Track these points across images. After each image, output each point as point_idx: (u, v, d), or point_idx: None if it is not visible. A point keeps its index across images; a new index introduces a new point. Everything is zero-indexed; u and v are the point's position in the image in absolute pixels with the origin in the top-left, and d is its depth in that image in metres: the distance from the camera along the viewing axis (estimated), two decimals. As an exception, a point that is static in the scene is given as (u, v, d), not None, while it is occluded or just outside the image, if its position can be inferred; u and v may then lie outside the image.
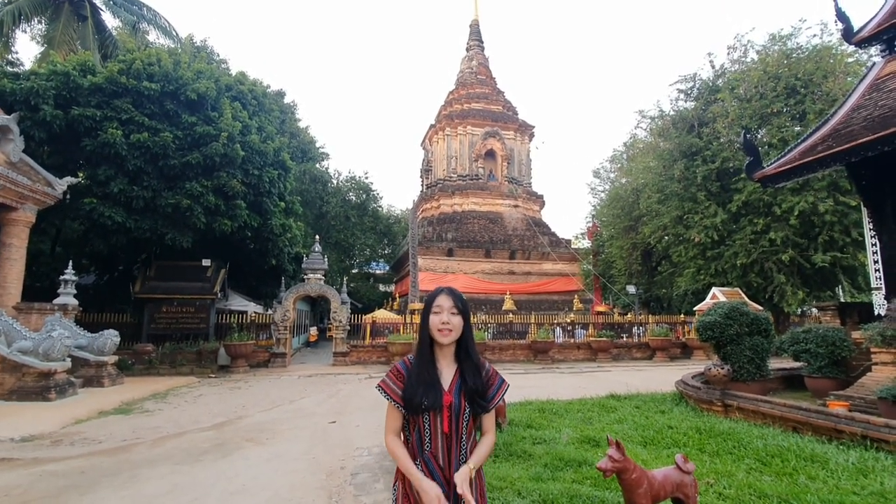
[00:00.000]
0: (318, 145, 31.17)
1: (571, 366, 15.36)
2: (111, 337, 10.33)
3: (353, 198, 32.28)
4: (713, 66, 19.14)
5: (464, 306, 1.88)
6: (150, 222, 12.16)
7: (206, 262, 13.91)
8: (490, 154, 33.34)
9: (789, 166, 7.89)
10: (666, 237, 19.44)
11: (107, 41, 16.76)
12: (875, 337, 5.64)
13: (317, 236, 16.52)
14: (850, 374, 7.72)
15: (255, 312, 15.60)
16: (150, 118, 12.16)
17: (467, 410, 1.79)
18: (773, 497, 3.62)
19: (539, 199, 34.03)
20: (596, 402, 7.65)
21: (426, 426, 1.80)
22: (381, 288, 39.23)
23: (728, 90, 17.69)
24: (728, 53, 19.47)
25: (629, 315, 20.08)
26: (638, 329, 18.62)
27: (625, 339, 18.36)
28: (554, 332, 16.98)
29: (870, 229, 7.50)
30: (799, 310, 19.41)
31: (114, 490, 4.26)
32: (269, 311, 16.55)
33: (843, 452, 4.57)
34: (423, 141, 36.17)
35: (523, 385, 11.07)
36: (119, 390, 9.71)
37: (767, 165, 8.39)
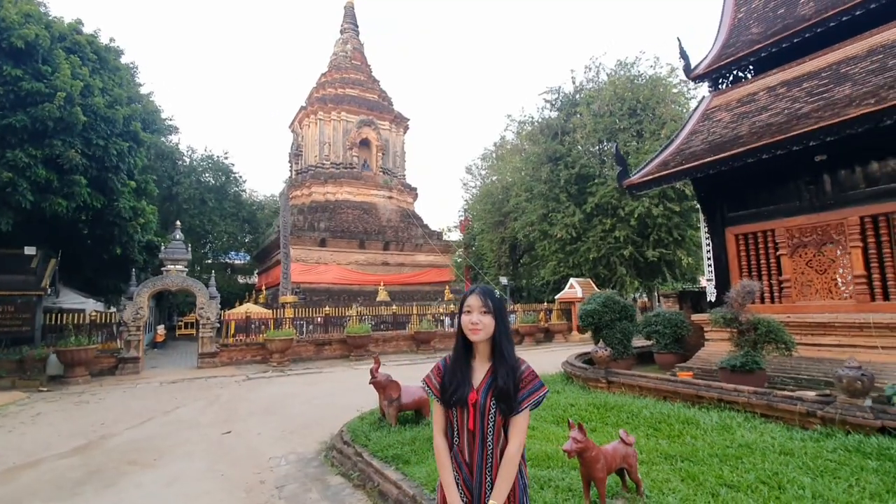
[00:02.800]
0: (164, 116, 27.04)
1: (453, 354, 16.03)
2: None
3: (211, 179, 28.84)
4: (574, 82, 21.57)
5: (496, 305, 1.88)
6: (-49, 198, 9.27)
7: (29, 251, 11.06)
8: (365, 143, 32.68)
9: (650, 177, 9.32)
10: (533, 233, 21.33)
11: None
12: (718, 319, 7.05)
13: (177, 222, 14.38)
14: (687, 350, 9.52)
15: (94, 311, 13.01)
16: (-41, 67, 9.20)
17: (493, 410, 1.80)
18: (676, 457, 4.33)
19: (413, 192, 34.47)
20: (497, 388, 8.16)
21: (455, 422, 1.86)
22: (241, 280, 35.96)
23: (585, 105, 20.08)
24: (585, 72, 22.08)
25: (502, 304, 21.63)
26: (509, 317, 20.20)
27: (496, 326, 19.75)
28: (442, 322, 17.52)
29: (705, 233, 9.28)
30: (632, 296, 22.96)
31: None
32: (113, 310, 14.00)
33: (706, 414, 5.64)
34: (293, 123, 33.92)
35: (416, 376, 11.22)
36: None
37: (633, 175, 9.80)
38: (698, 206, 19.71)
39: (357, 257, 29.79)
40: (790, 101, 8.56)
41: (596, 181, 19.09)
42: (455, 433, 1.88)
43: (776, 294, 8.08)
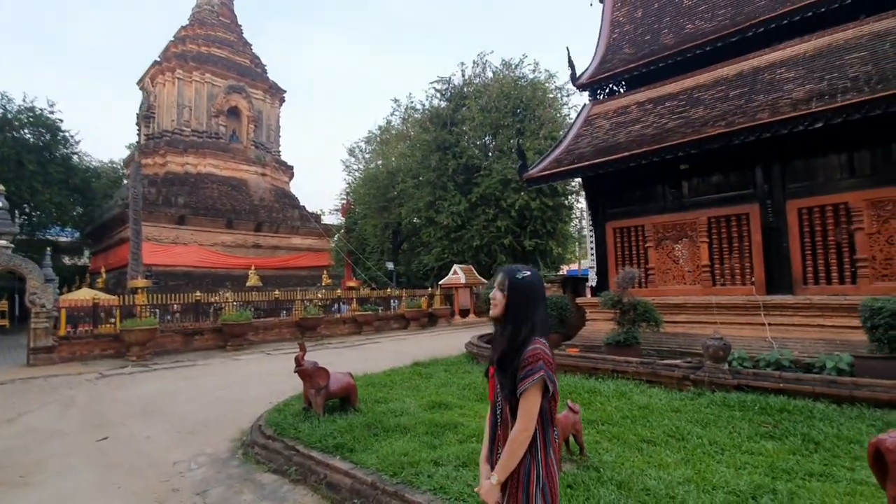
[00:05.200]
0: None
1: (342, 340, 15.63)
2: None
3: (30, 137, 23.41)
4: (464, 75, 22.27)
5: (512, 283, 1.88)
6: None
7: None
8: (234, 112, 29.60)
9: (547, 172, 10.19)
10: (419, 219, 21.66)
11: None
12: (606, 301, 8.08)
13: (0, 186, 11.36)
14: (569, 329, 10.68)
15: None
16: None
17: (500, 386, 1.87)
18: (596, 421, 4.91)
19: (289, 170, 32.26)
20: (409, 371, 8.24)
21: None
22: (68, 261, 30.11)
23: (474, 99, 20.88)
24: (473, 67, 22.91)
25: (388, 290, 21.60)
26: (394, 302, 20.29)
27: (380, 311, 19.73)
28: (331, 308, 16.88)
29: (589, 225, 10.47)
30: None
31: None
32: None
33: (604, 384, 6.46)
34: (143, 79, 29.17)
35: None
36: None
37: (532, 169, 10.58)
38: (566, 202, 21.94)
39: (224, 238, 27.04)
40: (657, 116, 10.01)
41: (481, 173, 20.05)
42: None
43: (644, 280, 9.51)
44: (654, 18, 12.65)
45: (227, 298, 15.49)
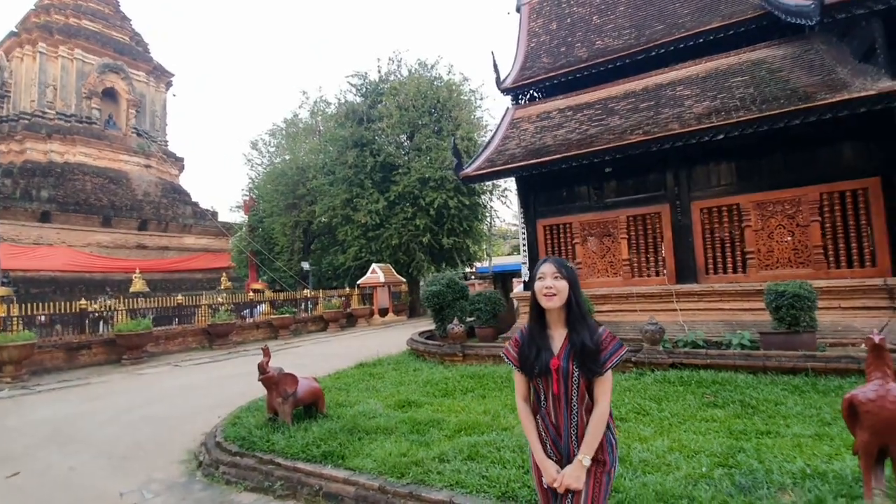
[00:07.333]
0: None
1: (259, 347, 14.58)
2: None
3: None
4: (380, 72, 21.94)
5: (568, 272, 1.99)
6: None
7: None
8: (110, 94, 26.09)
9: (482, 171, 10.52)
10: (335, 217, 20.96)
11: None
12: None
13: None
14: (501, 324, 11.14)
15: None
16: None
17: (576, 373, 1.90)
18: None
19: (179, 163, 29.24)
20: (356, 373, 8.02)
21: (540, 387, 1.99)
22: None
23: (390, 96, 20.70)
24: (388, 64, 22.71)
25: (305, 291, 20.55)
26: (309, 303, 19.42)
27: (297, 314, 18.75)
28: (242, 312, 15.58)
29: (521, 222, 11.01)
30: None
31: None
32: None
33: (555, 371, 6.90)
34: (-10, 50, 24.39)
35: (224, 374, 9.98)
36: None
37: (466, 168, 10.84)
38: (481, 201, 22.64)
39: (100, 238, 23.75)
40: (578, 122, 10.82)
41: (400, 171, 19.97)
42: (542, 398, 1.99)
43: (572, 274, 10.25)
44: (568, 32, 13.62)
45: (114, 306, 13.64)
